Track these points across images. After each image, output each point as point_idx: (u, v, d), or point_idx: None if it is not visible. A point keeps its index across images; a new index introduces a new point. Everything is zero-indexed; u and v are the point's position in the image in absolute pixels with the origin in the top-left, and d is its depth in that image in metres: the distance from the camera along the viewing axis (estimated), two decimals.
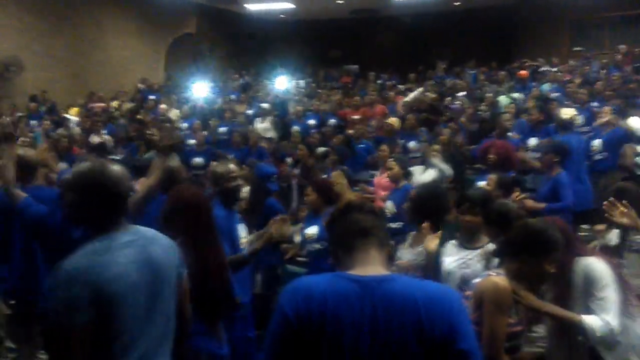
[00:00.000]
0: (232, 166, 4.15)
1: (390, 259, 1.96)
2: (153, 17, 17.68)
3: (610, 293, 2.70)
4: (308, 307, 1.74)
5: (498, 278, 2.61)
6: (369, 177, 8.26)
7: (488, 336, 2.52)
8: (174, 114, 13.16)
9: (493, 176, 4.92)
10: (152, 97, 14.58)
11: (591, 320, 2.64)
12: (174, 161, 4.37)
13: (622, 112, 7.88)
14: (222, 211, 3.84)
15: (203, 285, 2.91)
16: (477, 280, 2.67)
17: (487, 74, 14.72)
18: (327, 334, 1.71)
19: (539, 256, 2.60)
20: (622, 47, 13.99)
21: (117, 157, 8.66)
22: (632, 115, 7.79)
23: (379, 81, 15.57)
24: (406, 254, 3.78)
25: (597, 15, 16.65)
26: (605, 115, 7.37)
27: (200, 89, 15.02)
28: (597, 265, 2.77)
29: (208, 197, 3.52)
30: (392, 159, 6.10)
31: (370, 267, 1.84)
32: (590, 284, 2.73)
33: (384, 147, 7.36)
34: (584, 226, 6.24)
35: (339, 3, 18.79)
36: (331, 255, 1.98)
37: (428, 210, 3.78)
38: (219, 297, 3.09)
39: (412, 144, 8.66)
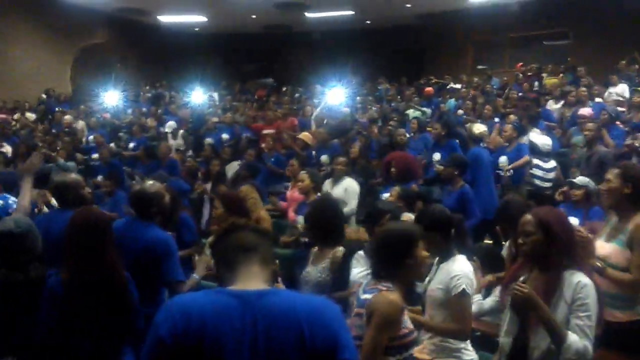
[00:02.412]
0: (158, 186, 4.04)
1: (275, 276, 2.00)
2: (59, 27, 17.11)
3: (593, 320, 2.71)
4: (186, 325, 1.72)
5: (389, 293, 2.62)
6: (284, 189, 8.32)
7: (369, 350, 2.53)
8: (80, 125, 12.77)
9: (396, 188, 5.08)
10: (58, 108, 14.10)
11: (574, 340, 2.64)
12: (71, 177, 4.28)
13: (523, 129, 8.29)
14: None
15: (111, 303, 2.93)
16: (365, 296, 2.68)
17: (396, 90, 15.17)
18: (207, 351, 1.70)
19: (404, 255, 2.71)
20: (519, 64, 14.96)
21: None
22: (532, 130, 8.25)
23: (296, 95, 15.72)
24: (312, 273, 3.80)
25: (497, 35, 17.50)
26: (506, 131, 7.72)
27: (110, 101, 14.65)
28: (589, 288, 2.73)
29: (109, 218, 3.46)
30: (304, 172, 6.17)
31: (252, 282, 1.85)
32: (578, 303, 2.71)
33: (293, 161, 7.42)
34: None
35: (252, 18, 18.85)
36: (215, 273, 2.00)
37: (324, 225, 3.85)
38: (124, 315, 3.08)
39: (323, 158, 8.78)
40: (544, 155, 7.15)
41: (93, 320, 3.04)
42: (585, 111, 8.89)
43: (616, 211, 3.48)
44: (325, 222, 3.86)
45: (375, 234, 3.01)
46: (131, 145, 10.92)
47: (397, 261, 2.73)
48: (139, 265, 3.46)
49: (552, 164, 7.23)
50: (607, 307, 3.27)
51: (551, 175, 7.25)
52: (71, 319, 3.03)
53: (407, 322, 2.66)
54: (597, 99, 10.44)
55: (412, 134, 9.12)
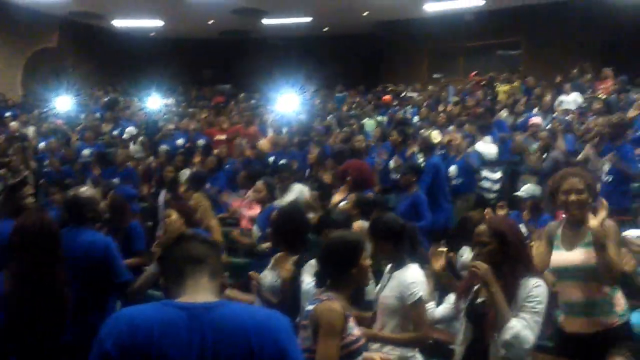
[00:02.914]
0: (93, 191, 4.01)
1: (223, 288, 1.97)
2: (10, 31, 16.69)
3: (542, 317, 2.79)
4: (132, 338, 1.69)
5: (331, 302, 2.64)
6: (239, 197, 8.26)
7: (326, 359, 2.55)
8: (31, 131, 12.47)
9: (352, 195, 5.11)
10: (8, 113, 13.73)
11: (516, 324, 2.73)
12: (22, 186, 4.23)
13: (473, 138, 8.43)
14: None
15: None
16: (309, 307, 2.69)
17: (354, 97, 15.26)
18: None
19: (349, 264, 2.73)
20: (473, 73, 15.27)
21: None
22: (482, 139, 8.40)
23: (252, 101, 15.66)
24: (269, 277, 3.80)
25: (452, 44, 17.74)
26: (455, 140, 7.84)
27: (62, 106, 14.34)
28: (544, 290, 2.83)
29: (55, 223, 3.42)
30: (261, 182, 6.14)
31: (200, 294, 1.82)
32: (528, 300, 2.80)
33: (244, 172, 7.38)
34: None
35: (210, 23, 18.73)
36: (162, 286, 1.95)
37: (287, 231, 3.84)
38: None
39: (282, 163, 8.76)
40: (488, 164, 7.34)
41: (30, 323, 3.04)
42: (537, 119, 9.10)
43: (574, 220, 3.48)
44: (290, 229, 3.86)
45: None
46: (86, 152, 10.70)
47: (342, 270, 2.74)
48: (79, 273, 3.42)
49: (498, 174, 7.43)
50: (585, 317, 3.33)
51: (497, 186, 7.45)
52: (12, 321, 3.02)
53: (354, 330, 2.66)
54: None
55: (374, 142, 9.20)
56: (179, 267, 1.87)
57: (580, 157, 7.07)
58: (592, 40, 15.32)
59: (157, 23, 18.61)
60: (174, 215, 4.56)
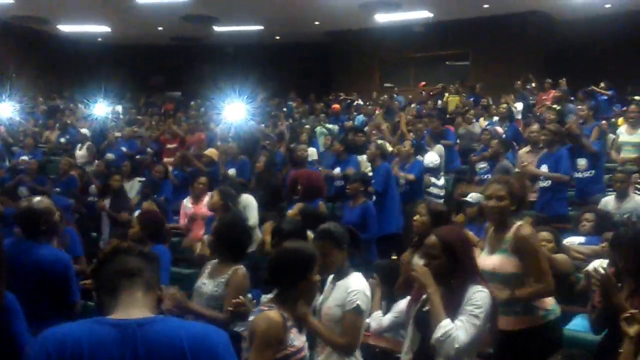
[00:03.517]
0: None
1: (160, 301, 1.92)
2: None
3: (479, 321, 2.78)
4: (61, 359, 1.62)
5: (271, 312, 2.61)
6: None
7: None
8: None
9: (298, 205, 5.10)
10: None
11: (448, 323, 2.74)
12: None
13: (421, 146, 8.55)
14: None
15: None
16: (251, 317, 2.66)
17: (305, 106, 15.29)
18: None
19: (299, 277, 2.71)
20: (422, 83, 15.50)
21: None
22: (434, 147, 8.54)
23: (202, 109, 15.52)
24: (209, 286, 3.74)
25: (403, 54, 17.99)
26: (405, 147, 7.93)
27: (3, 113, 13.88)
28: (485, 296, 2.84)
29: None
30: (216, 189, 6.06)
31: (134, 309, 1.76)
32: (467, 305, 2.81)
33: (202, 179, 7.28)
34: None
35: (159, 30, 18.49)
36: (95, 302, 1.89)
37: (229, 241, 3.82)
38: None
39: (231, 172, 8.69)
40: (433, 171, 7.50)
41: None
42: (491, 128, 9.29)
43: (496, 224, 3.57)
44: (232, 237, 3.84)
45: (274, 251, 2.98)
46: (24, 158, 10.39)
47: (290, 281, 2.71)
48: (30, 288, 3.29)
49: (442, 180, 7.59)
50: (505, 315, 3.37)
51: (443, 192, 7.60)
52: None
53: (295, 341, 2.63)
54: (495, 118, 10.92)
55: (324, 150, 9.23)
56: (113, 281, 1.80)
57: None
58: (536, 52, 15.79)
59: (104, 29, 18.29)
60: (137, 225, 4.49)
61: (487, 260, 3.49)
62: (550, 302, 3.47)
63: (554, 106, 9.56)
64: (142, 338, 1.67)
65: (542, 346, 3.32)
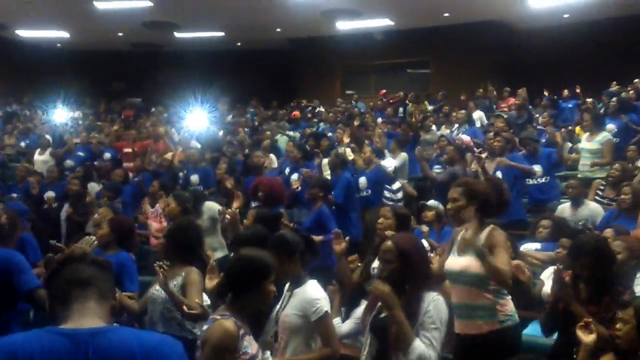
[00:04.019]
0: None
1: (114, 310, 1.91)
2: None
3: (441, 332, 2.84)
4: None
5: (224, 321, 2.61)
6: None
7: None
8: None
9: (252, 211, 5.13)
10: None
11: (419, 344, 2.76)
12: None
13: (381, 151, 8.62)
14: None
15: None
16: (205, 326, 2.65)
17: (266, 112, 15.28)
18: None
19: (253, 285, 2.72)
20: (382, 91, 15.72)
21: None
22: (396, 155, 8.63)
23: (164, 115, 15.36)
24: (161, 290, 3.70)
25: (364, 62, 18.12)
26: (366, 153, 7.98)
27: None
28: (441, 304, 2.89)
29: None
30: (171, 195, 6.02)
31: (87, 319, 1.74)
32: (427, 316, 2.84)
33: (155, 182, 7.23)
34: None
35: (120, 36, 18.28)
36: (49, 311, 1.86)
37: (181, 245, 3.86)
38: None
39: (193, 178, 8.64)
40: (389, 177, 7.62)
41: None
42: (464, 136, 9.40)
43: (467, 227, 3.60)
44: (184, 240, 3.89)
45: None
46: None
47: (244, 289, 2.71)
48: None
49: (397, 185, 7.69)
50: (467, 319, 3.47)
51: (399, 195, 7.69)
52: None
53: (248, 348, 2.64)
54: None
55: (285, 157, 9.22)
56: (65, 291, 1.78)
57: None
58: (495, 60, 16.07)
59: (64, 34, 18.00)
60: (107, 228, 4.49)
61: (457, 261, 3.55)
62: (510, 308, 3.52)
63: (502, 114, 9.73)
64: (94, 348, 1.66)
65: (501, 351, 3.37)
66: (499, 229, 3.56)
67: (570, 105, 12.06)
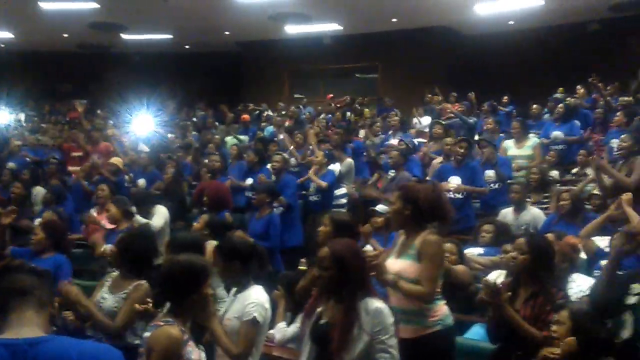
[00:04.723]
0: None
1: (53, 319, 1.91)
2: None
3: (394, 340, 2.88)
4: None
5: (169, 327, 2.61)
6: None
7: None
8: None
9: (204, 216, 5.14)
10: None
11: None
12: None
13: (332, 156, 8.70)
14: None
15: None
16: (147, 333, 2.65)
17: (214, 116, 15.19)
18: None
19: (190, 290, 2.73)
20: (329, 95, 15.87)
21: None
22: (340, 158, 8.71)
23: (110, 118, 15.11)
24: (108, 300, 3.69)
25: (313, 66, 18.15)
26: (317, 157, 8.05)
27: None
28: (385, 312, 2.90)
29: None
30: (110, 201, 5.99)
31: (25, 329, 1.75)
32: (378, 328, 2.86)
33: (103, 186, 7.14)
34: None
35: (65, 37, 17.88)
36: None
37: (133, 254, 3.79)
38: None
39: (140, 182, 8.57)
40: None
41: None
42: (394, 141, 9.55)
43: (405, 231, 3.69)
44: (135, 251, 3.80)
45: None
46: None
47: (182, 295, 2.71)
48: None
49: (342, 190, 7.80)
50: (403, 324, 3.46)
51: (342, 200, 7.80)
52: None
53: (192, 354, 2.65)
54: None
55: (230, 161, 9.21)
56: (3, 301, 1.78)
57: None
58: (442, 66, 16.36)
59: (7, 35, 17.50)
60: (41, 233, 4.44)
61: (393, 264, 3.57)
62: (442, 312, 3.54)
63: (441, 121, 9.93)
64: (32, 358, 1.67)
65: (434, 356, 3.45)
66: (434, 235, 3.56)
67: (507, 110, 12.22)
